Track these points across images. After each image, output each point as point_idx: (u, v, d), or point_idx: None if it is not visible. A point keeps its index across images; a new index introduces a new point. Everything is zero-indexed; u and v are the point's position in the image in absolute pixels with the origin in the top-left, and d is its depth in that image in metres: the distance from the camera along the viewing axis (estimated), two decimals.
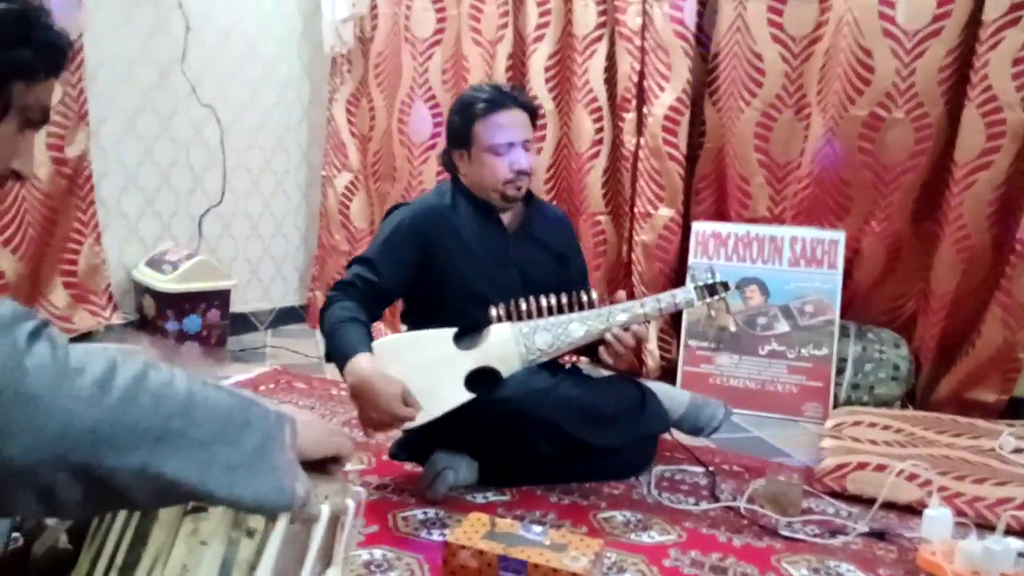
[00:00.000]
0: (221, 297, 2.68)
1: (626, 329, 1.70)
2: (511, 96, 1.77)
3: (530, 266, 1.83)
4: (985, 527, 1.64)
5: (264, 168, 3.19)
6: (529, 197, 1.89)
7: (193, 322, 2.60)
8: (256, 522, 0.85)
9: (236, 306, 2.99)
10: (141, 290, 2.65)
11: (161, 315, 2.57)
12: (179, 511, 0.84)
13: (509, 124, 1.74)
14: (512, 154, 1.74)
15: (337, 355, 1.60)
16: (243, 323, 3.12)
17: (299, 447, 0.83)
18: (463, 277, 1.76)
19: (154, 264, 2.65)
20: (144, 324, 2.63)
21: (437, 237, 1.76)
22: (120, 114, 2.64)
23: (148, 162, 2.74)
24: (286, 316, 3.36)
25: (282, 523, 0.85)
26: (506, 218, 1.84)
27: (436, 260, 1.75)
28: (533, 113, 1.80)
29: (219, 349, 2.71)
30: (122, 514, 0.86)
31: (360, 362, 1.54)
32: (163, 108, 2.75)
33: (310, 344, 3.07)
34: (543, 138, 2.77)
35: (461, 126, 1.76)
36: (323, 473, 0.97)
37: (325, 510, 0.90)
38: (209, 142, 2.93)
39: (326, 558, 0.93)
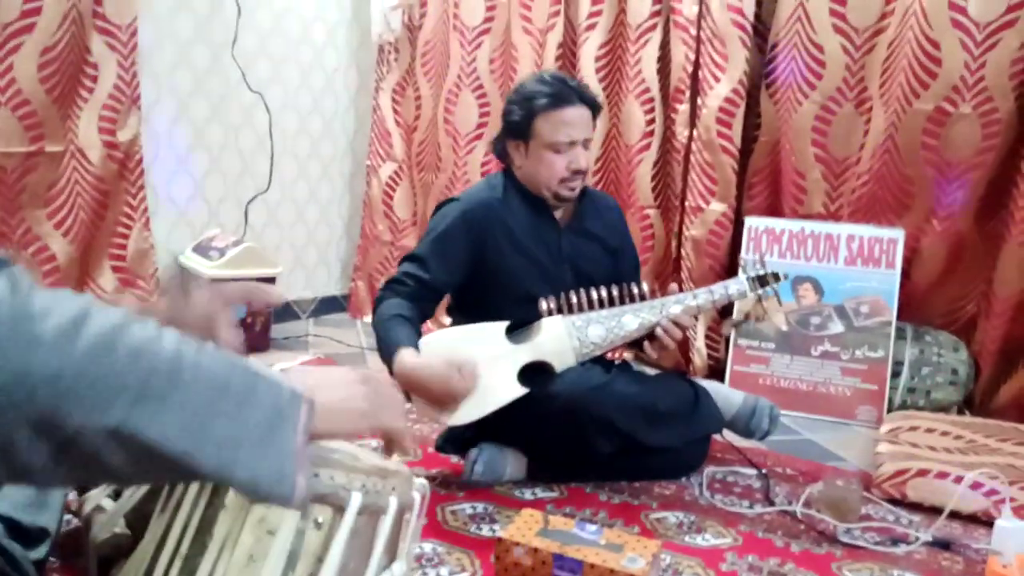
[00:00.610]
0: (266, 284, 2.68)
1: (674, 323, 1.66)
2: (577, 92, 1.70)
3: (582, 261, 1.80)
4: None
5: (310, 155, 3.19)
6: (584, 189, 1.85)
7: (239, 309, 2.59)
8: (324, 513, 0.83)
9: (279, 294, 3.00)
10: (188, 276, 2.66)
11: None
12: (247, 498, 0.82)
13: (573, 121, 1.69)
14: (572, 153, 1.70)
15: (384, 352, 1.58)
16: (286, 311, 3.13)
17: (324, 427, 0.75)
18: (514, 273, 1.73)
19: (201, 250, 2.66)
20: None
21: (489, 233, 1.73)
22: (172, 98, 2.64)
23: (198, 147, 2.75)
24: (328, 305, 3.37)
25: (350, 515, 0.83)
26: (558, 212, 1.80)
27: (487, 256, 1.72)
28: (597, 110, 1.75)
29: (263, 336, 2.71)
30: (188, 501, 0.85)
31: (403, 358, 1.52)
32: (214, 93, 2.76)
33: (351, 334, 3.07)
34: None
35: (522, 118, 1.71)
36: (379, 461, 0.94)
37: (393, 502, 0.87)
38: (258, 128, 2.93)
39: (391, 551, 0.91)
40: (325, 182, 3.28)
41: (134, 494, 1.04)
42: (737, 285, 1.76)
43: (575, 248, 1.80)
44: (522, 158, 1.75)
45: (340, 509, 0.83)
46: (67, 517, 1.25)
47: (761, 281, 1.76)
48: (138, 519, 1.03)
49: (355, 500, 0.83)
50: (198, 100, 2.72)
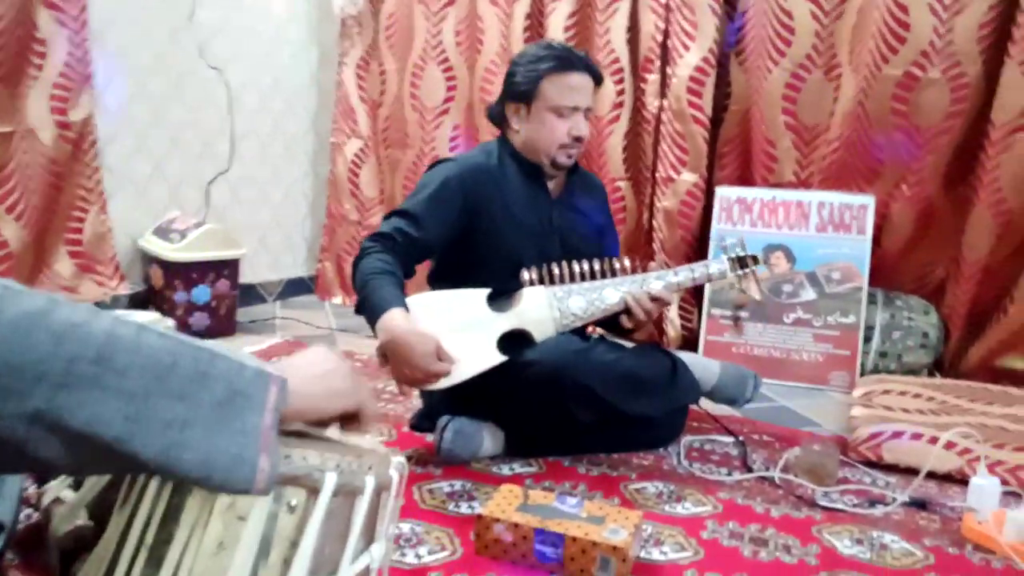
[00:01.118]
0: (230, 267, 2.61)
1: (653, 299, 1.65)
2: (584, 60, 1.70)
3: (571, 235, 1.78)
4: None
5: (273, 133, 3.11)
6: (575, 164, 1.82)
7: (202, 292, 2.53)
8: (297, 496, 0.80)
9: (244, 277, 2.93)
10: (148, 260, 2.59)
11: (169, 285, 2.50)
12: None
13: (578, 87, 1.67)
14: (574, 119, 1.68)
15: (370, 309, 1.53)
16: (251, 294, 3.06)
17: (300, 407, 0.74)
18: (504, 242, 1.70)
19: (162, 233, 2.58)
20: (152, 294, 2.57)
21: (483, 198, 1.69)
22: (129, 75, 2.55)
23: (157, 126, 2.66)
24: (295, 287, 3.30)
25: (325, 497, 0.80)
26: (551, 184, 1.78)
27: (478, 222, 1.69)
28: (599, 82, 1.73)
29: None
30: (152, 488, 0.81)
31: (394, 317, 1.47)
32: (172, 69, 2.66)
33: (320, 316, 3.02)
34: None
35: (528, 79, 1.68)
36: (341, 437, 0.91)
37: (370, 482, 0.84)
38: (218, 105, 2.84)
39: (369, 533, 0.88)
40: (289, 161, 3.21)
41: (96, 483, 1.00)
42: (718, 265, 1.75)
43: (565, 221, 1.78)
44: (521, 122, 1.72)
45: (314, 491, 0.79)
46: (26, 511, 1.20)
47: (741, 263, 1.76)
48: (102, 509, 0.98)
49: (330, 481, 0.79)
50: (155, 77, 2.63)
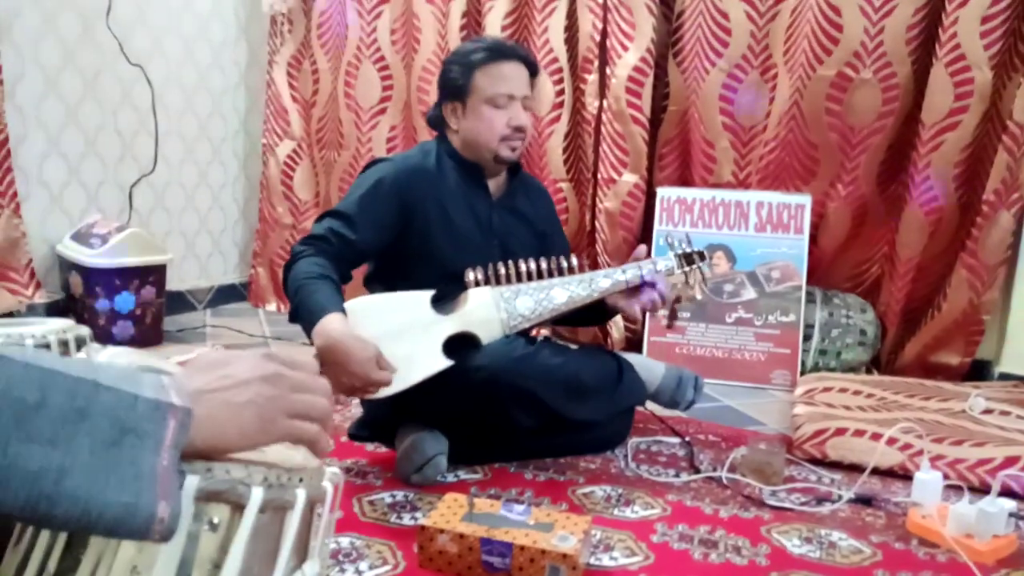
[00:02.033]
0: (156, 273, 2.48)
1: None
2: (514, 50, 1.66)
3: (511, 239, 1.73)
4: (971, 490, 1.61)
5: (199, 135, 2.98)
6: (516, 167, 1.78)
7: (126, 300, 2.40)
8: (220, 513, 0.72)
9: (172, 284, 2.80)
10: (67, 266, 2.43)
11: (90, 293, 2.36)
12: None
13: (511, 76, 1.63)
14: (512, 109, 1.63)
15: (305, 314, 1.45)
16: (179, 302, 2.93)
17: (210, 442, 0.64)
18: (442, 245, 1.64)
19: (80, 238, 2.43)
20: (71, 303, 2.42)
21: (420, 199, 1.63)
22: (39, 72, 2.40)
23: (72, 126, 2.51)
24: (226, 294, 3.17)
25: (251, 513, 0.72)
26: (491, 185, 1.72)
27: (415, 224, 1.62)
28: (534, 70, 1.69)
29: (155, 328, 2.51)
30: None
31: (331, 322, 1.39)
32: (88, 66, 2.52)
33: (254, 323, 2.90)
34: None
35: (460, 74, 1.64)
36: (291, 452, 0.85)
37: (301, 496, 0.77)
38: (139, 105, 2.70)
39: (302, 550, 0.81)
40: (216, 164, 3.08)
41: None
42: (666, 262, 1.74)
43: (505, 224, 1.73)
44: (459, 120, 1.67)
45: (239, 507, 0.72)
46: None
47: (688, 259, 1.75)
48: (2, 537, 0.89)
49: (256, 496, 0.72)
50: (69, 74, 2.48)
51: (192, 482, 0.70)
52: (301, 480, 0.79)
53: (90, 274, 2.35)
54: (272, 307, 3.14)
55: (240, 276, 3.25)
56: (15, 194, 2.31)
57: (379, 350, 1.40)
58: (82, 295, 2.37)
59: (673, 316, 1.85)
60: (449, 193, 1.66)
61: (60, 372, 0.56)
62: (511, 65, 1.63)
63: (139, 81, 2.68)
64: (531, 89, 1.68)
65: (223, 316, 2.98)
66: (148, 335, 2.48)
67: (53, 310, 2.41)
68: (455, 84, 1.66)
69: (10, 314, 2.26)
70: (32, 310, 2.34)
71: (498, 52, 1.63)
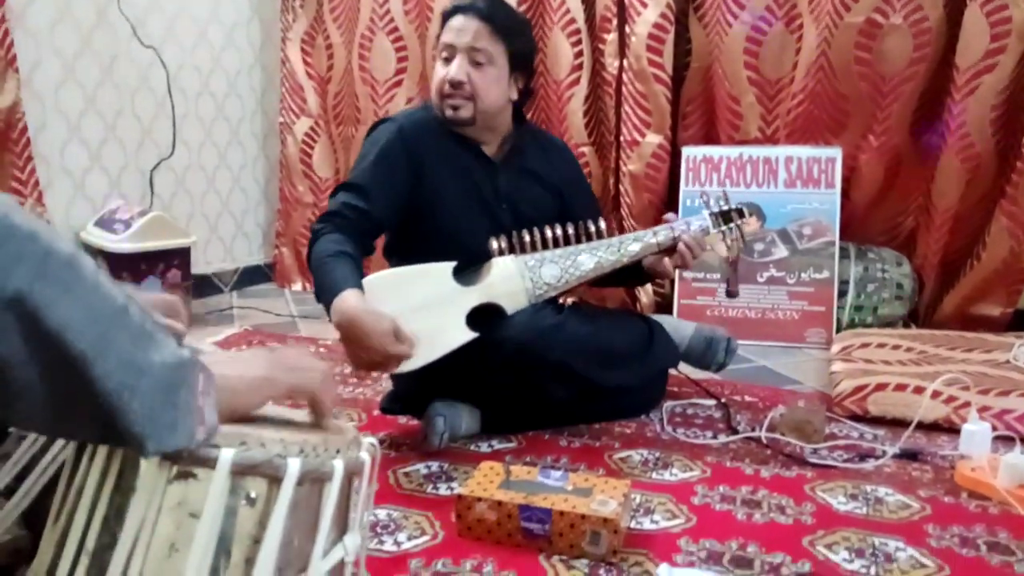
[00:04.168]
0: (181, 256, 2.48)
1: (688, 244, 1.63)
2: (475, 3, 1.56)
3: (522, 202, 1.67)
4: (1021, 440, 1.57)
5: (216, 116, 2.96)
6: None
7: (152, 284, 2.40)
8: (257, 487, 0.70)
9: (197, 267, 2.79)
10: (92, 252, 2.43)
11: (116, 278, 2.33)
12: (161, 478, 0.69)
13: (456, 27, 1.56)
14: (454, 63, 1.56)
15: (323, 294, 1.43)
16: (206, 285, 2.93)
17: (228, 402, 0.72)
18: (452, 207, 1.60)
19: (104, 224, 2.43)
20: None
21: (426, 154, 1.59)
22: (56, 58, 2.38)
23: (91, 112, 2.50)
24: (252, 275, 3.17)
25: (288, 485, 0.71)
26: (490, 148, 1.68)
27: (425, 182, 1.59)
28: (499, 24, 1.57)
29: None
30: (91, 485, 0.71)
31: (347, 299, 1.37)
32: (103, 51, 2.50)
33: (280, 303, 2.90)
34: None
35: (438, 31, 1.62)
36: (308, 424, 0.83)
37: (339, 467, 0.75)
38: (156, 89, 2.69)
39: (341, 523, 0.79)
40: (235, 145, 3.06)
41: (32, 488, 0.89)
42: (700, 221, 1.69)
43: (513, 186, 1.67)
44: None
45: (276, 480, 0.71)
46: None
47: (725, 217, 1.70)
48: (40, 518, 0.88)
49: (293, 468, 0.71)
50: (86, 60, 2.46)
51: (227, 456, 0.69)
52: (339, 451, 0.78)
53: (115, 260, 2.35)
54: (298, 287, 3.13)
55: (265, 257, 3.24)
56: (37, 182, 2.31)
57: (396, 323, 1.37)
58: None
59: (732, 284, 1.79)
60: (453, 150, 1.62)
61: (135, 300, 0.66)
62: (461, 17, 1.56)
63: (155, 65, 2.66)
64: (493, 43, 1.56)
65: (249, 297, 2.98)
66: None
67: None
68: (436, 37, 1.64)
69: None
70: None
71: (457, 6, 1.58)
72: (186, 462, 0.68)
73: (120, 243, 2.35)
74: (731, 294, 1.84)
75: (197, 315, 2.62)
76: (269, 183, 3.23)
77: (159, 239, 2.42)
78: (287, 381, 0.79)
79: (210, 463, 0.68)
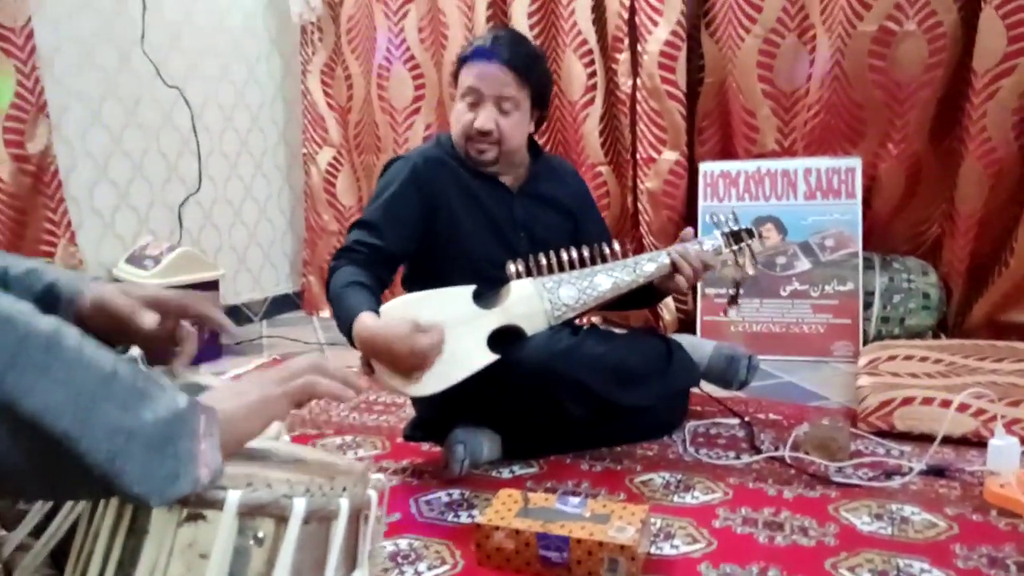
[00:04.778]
0: (210, 289, 2.53)
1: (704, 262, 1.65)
2: (497, 51, 1.59)
3: (538, 227, 1.70)
4: None
5: (241, 150, 3.03)
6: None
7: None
8: (265, 527, 0.72)
9: (227, 298, 2.86)
10: None
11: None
12: (172, 521, 0.71)
13: (483, 75, 1.59)
14: (481, 110, 1.60)
15: (342, 322, 1.46)
16: (235, 316, 2.99)
17: (232, 433, 0.74)
18: (470, 236, 1.63)
19: (135, 260, 2.50)
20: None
21: (440, 190, 1.62)
22: (83, 103, 2.46)
23: (118, 152, 2.58)
24: (281, 305, 3.23)
25: (295, 524, 0.72)
26: (507, 178, 1.70)
27: (440, 216, 1.62)
28: (519, 71, 1.60)
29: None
30: (105, 529, 0.73)
31: (363, 321, 1.39)
32: (127, 93, 2.58)
33: (308, 331, 2.94)
34: None
35: (455, 68, 1.66)
36: (329, 459, 0.85)
37: (344, 505, 0.77)
38: (180, 127, 2.76)
39: (350, 559, 0.81)
40: (260, 178, 3.13)
41: (59, 529, 0.92)
42: (712, 241, 1.71)
43: (529, 213, 1.70)
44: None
45: (283, 519, 0.72)
46: None
47: (736, 237, 1.71)
48: (68, 556, 0.91)
49: (299, 507, 0.73)
50: (111, 103, 2.54)
51: (234, 498, 0.71)
52: (345, 489, 0.79)
53: None
54: (325, 314, 3.17)
55: (293, 285, 3.30)
56: (69, 223, 2.38)
57: (413, 321, 1.38)
58: None
59: (733, 300, 1.79)
60: (466, 184, 1.65)
61: (124, 360, 0.67)
62: (490, 65, 1.59)
63: (178, 103, 2.73)
64: (521, 90, 1.60)
65: (279, 326, 3.03)
66: (206, 350, 2.53)
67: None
68: (453, 75, 1.68)
69: None
70: None
71: (481, 51, 1.60)
72: (195, 505, 0.71)
73: (151, 279, 2.40)
74: (726, 312, 1.84)
75: (227, 346, 2.67)
76: (295, 213, 3.29)
77: (188, 273, 2.48)
78: (283, 394, 0.80)
79: (218, 505, 0.70)
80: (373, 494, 0.82)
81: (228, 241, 3.01)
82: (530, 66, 1.63)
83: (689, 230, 1.73)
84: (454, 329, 1.46)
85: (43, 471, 0.63)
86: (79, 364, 0.63)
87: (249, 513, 0.71)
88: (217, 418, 0.72)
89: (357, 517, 0.81)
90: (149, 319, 0.87)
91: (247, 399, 0.78)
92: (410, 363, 1.38)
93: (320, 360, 0.85)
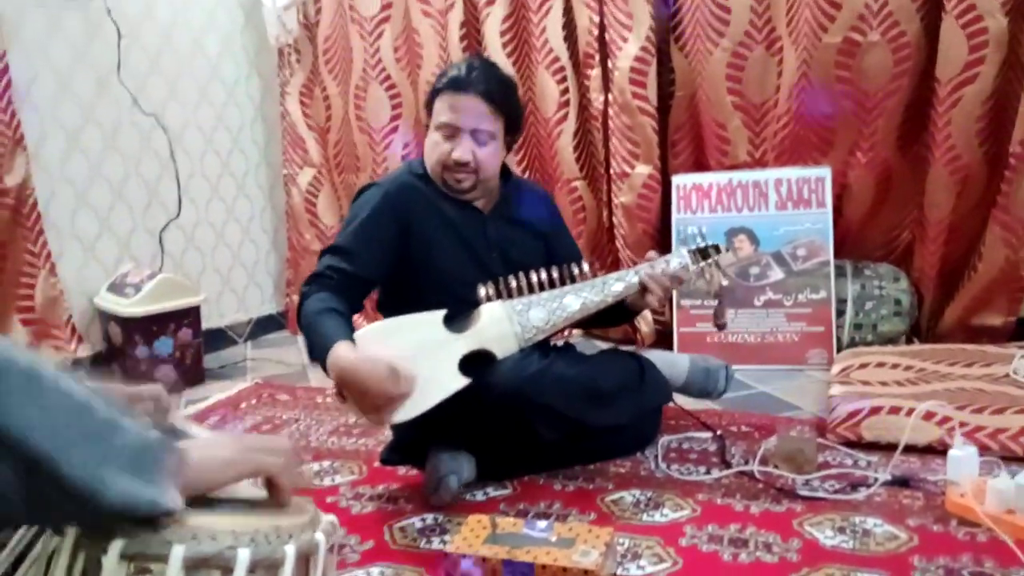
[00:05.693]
0: (191, 315, 2.55)
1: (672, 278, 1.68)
2: (472, 83, 1.61)
3: (511, 249, 1.73)
4: (1011, 459, 1.56)
5: (222, 173, 3.05)
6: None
7: (164, 344, 2.47)
8: None
9: (211, 321, 2.87)
10: (106, 317, 2.52)
11: (129, 341, 2.44)
12: (121, 574, 0.73)
13: (460, 107, 1.61)
14: (458, 142, 1.62)
15: (316, 351, 1.47)
16: (220, 338, 3.00)
17: (195, 479, 0.79)
18: (443, 259, 1.65)
19: (116, 288, 2.52)
20: (113, 353, 2.51)
21: (413, 215, 1.64)
22: (61, 132, 2.48)
23: (97, 180, 2.60)
24: (265, 325, 3.24)
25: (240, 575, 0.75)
26: (479, 202, 1.73)
27: (414, 241, 1.64)
28: (498, 106, 1.63)
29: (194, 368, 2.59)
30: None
31: (339, 352, 1.41)
32: (106, 121, 2.60)
33: (293, 351, 2.96)
34: None
35: (429, 96, 1.69)
36: (275, 506, 0.87)
37: (290, 552, 0.79)
38: (160, 152, 2.78)
39: None
40: (242, 199, 3.15)
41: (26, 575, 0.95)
42: (679, 259, 1.72)
43: (502, 235, 1.73)
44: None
45: (228, 570, 0.75)
46: None
47: (703, 254, 1.73)
48: None
49: (243, 557, 0.75)
50: (89, 131, 2.56)
51: (179, 551, 0.73)
52: (291, 536, 0.81)
53: (127, 323, 2.43)
54: None
55: (277, 305, 3.32)
56: (49, 254, 2.40)
57: (391, 363, 1.40)
58: (122, 344, 2.46)
59: (719, 316, 1.81)
60: (440, 208, 1.67)
61: (99, 394, 0.73)
62: (466, 98, 1.60)
63: (157, 128, 2.75)
64: (496, 121, 1.63)
65: (264, 347, 3.05)
66: (190, 375, 2.55)
67: (96, 361, 2.50)
68: (427, 104, 1.69)
69: None
70: (77, 364, 2.43)
71: (455, 83, 1.62)
72: (142, 559, 0.73)
73: (131, 307, 2.43)
74: (719, 326, 1.86)
75: (210, 370, 2.69)
76: (277, 233, 3.31)
77: (169, 300, 2.49)
78: (250, 462, 0.85)
79: (163, 559, 0.72)
80: (321, 538, 0.84)
81: (211, 263, 3.03)
82: (505, 97, 1.65)
83: (653, 253, 1.76)
84: (425, 355, 1.49)
85: (27, 492, 0.67)
86: (57, 392, 0.69)
87: (194, 566, 0.74)
88: (186, 461, 0.77)
89: (306, 562, 0.83)
90: None
91: (222, 453, 0.84)
92: (379, 405, 1.41)
93: (296, 451, 0.93)
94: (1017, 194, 2.13)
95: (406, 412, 1.45)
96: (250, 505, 0.87)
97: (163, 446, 0.75)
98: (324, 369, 1.45)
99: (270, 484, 0.86)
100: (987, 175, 2.21)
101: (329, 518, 0.87)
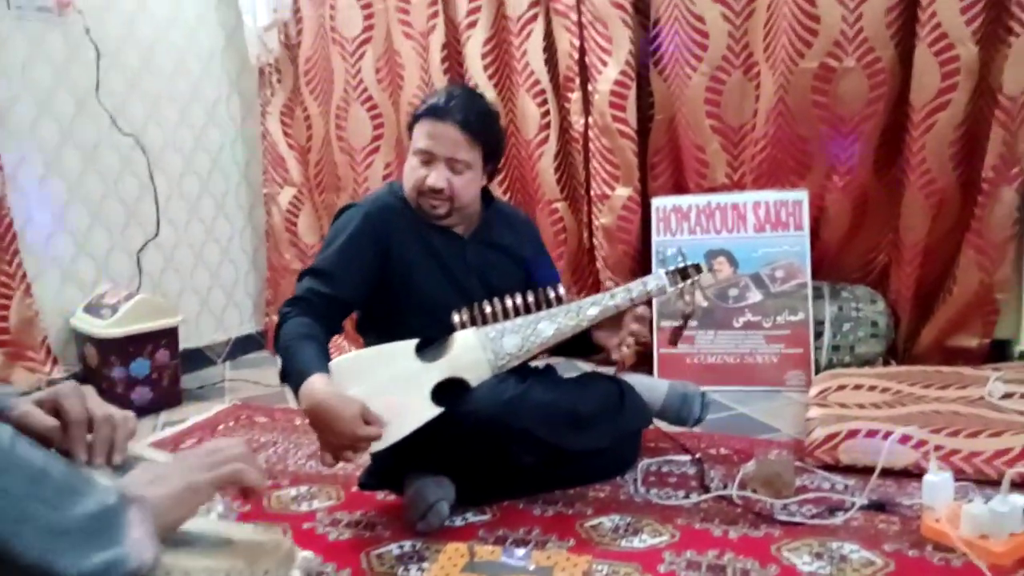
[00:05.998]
0: (168, 336, 2.53)
1: (637, 319, 1.63)
2: (450, 111, 1.61)
3: (491, 272, 1.73)
4: (986, 483, 1.58)
5: (202, 192, 3.04)
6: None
7: (141, 366, 2.45)
8: None
9: (189, 341, 2.85)
10: (82, 338, 2.50)
11: (106, 363, 2.41)
12: None
13: (437, 135, 1.61)
14: (434, 168, 1.62)
15: (290, 377, 1.47)
16: (199, 358, 2.98)
17: (164, 519, 0.76)
18: (423, 282, 1.65)
19: (92, 309, 2.49)
20: (89, 374, 2.48)
21: (393, 236, 1.64)
22: (38, 153, 2.46)
23: (75, 201, 2.58)
24: (245, 345, 3.22)
25: None
26: (459, 228, 1.73)
27: (394, 263, 1.64)
28: (476, 132, 1.62)
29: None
30: None
31: (314, 384, 1.40)
32: (85, 142, 2.58)
33: (272, 372, 2.92)
34: None
35: (410, 121, 1.69)
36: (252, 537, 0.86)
37: None
38: (138, 173, 2.77)
39: None
40: (221, 219, 3.13)
41: None
42: (656, 281, 1.70)
43: (482, 259, 1.73)
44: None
45: None
46: None
47: (682, 274, 1.72)
48: None
49: None
50: (68, 152, 2.54)
51: None
52: (267, 572, 0.80)
53: (103, 344, 2.40)
54: None
55: (256, 325, 3.30)
56: (24, 275, 2.37)
57: (364, 405, 1.40)
58: (98, 365, 2.43)
59: (677, 334, 1.81)
60: (421, 229, 1.67)
61: (56, 459, 0.71)
62: (443, 126, 1.60)
63: (136, 149, 2.74)
64: (473, 151, 1.63)
65: (242, 367, 3.03)
66: (166, 397, 2.53)
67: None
68: (408, 127, 1.70)
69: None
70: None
71: (434, 110, 1.62)
72: None
73: (108, 328, 2.40)
74: (671, 343, 1.87)
75: (188, 391, 2.66)
76: (257, 252, 3.29)
77: (146, 321, 2.47)
78: (208, 480, 0.82)
79: None
80: (298, 574, 0.83)
81: (190, 283, 3.01)
82: (483, 127, 1.65)
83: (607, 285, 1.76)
84: (398, 386, 1.49)
85: None
86: (10, 464, 0.66)
87: None
88: (149, 507, 0.74)
89: None
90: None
91: (172, 487, 0.79)
92: (344, 444, 1.41)
93: (247, 449, 0.87)
94: (990, 218, 2.16)
95: (379, 443, 1.46)
96: (224, 542, 0.86)
97: (125, 504, 0.72)
98: (296, 396, 1.45)
99: (240, 490, 0.84)
100: (961, 199, 2.25)
101: (306, 554, 0.86)
